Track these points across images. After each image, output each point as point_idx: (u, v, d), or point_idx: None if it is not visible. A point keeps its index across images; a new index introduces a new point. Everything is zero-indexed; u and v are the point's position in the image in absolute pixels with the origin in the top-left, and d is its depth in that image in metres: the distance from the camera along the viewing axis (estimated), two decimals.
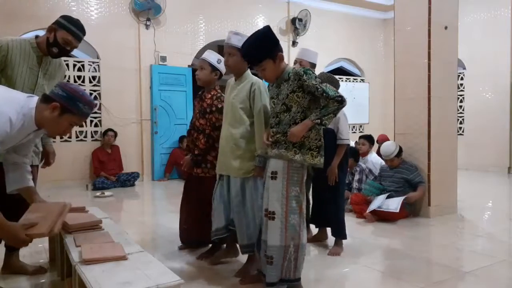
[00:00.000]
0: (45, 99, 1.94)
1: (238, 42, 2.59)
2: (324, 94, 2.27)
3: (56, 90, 1.96)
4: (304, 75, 2.29)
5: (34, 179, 2.62)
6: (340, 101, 2.29)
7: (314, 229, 3.63)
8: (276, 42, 2.32)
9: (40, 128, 2.00)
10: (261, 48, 2.30)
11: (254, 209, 2.63)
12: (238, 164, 2.65)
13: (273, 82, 2.43)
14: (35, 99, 1.95)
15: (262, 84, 2.67)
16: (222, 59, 2.92)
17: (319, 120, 2.28)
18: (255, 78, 2.72)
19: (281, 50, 2.35)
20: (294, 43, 8.83)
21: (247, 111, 2.65)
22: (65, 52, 2.66)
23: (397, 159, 4.41)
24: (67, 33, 2.60)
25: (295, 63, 3.40)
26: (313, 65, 3.42)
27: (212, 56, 3.09)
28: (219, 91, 3.14)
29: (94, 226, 2.37)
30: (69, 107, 1.93)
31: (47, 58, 2.66)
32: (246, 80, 2.70)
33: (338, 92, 2.30)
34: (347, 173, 3.59)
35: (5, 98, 1.90)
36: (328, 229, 3.51)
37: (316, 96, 2.32)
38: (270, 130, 2.42)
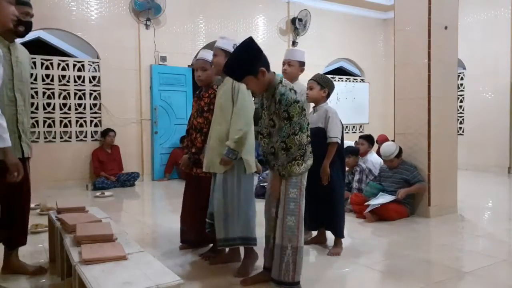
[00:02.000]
0: None
1: (224, 45, 2.90)
2: (281, 129, 2.28)
3: None
4: (278, 104, 2.28)
5: (27, 173, 2.65)
6: (286, 148, 2.27)
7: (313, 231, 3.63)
8: (256, 58, 2.27)
9: None
10: (240, 66, 2.26)
11: (235, 204, 2.70)
12: (213, 157, 2.76)
13: (261, 93, 2.42)
14: None
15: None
16: None
17: (282, 174, 2.34)
18: None
19: (265, 65, 2.30)
20: (294, 43, 8.83)
21: (231, 105, 2.77)
22: (30, 25, 2.67)
23: (396, 160, 4.41)
24: (21, 7, 2.59)
25: (283, 64, 3.40)
26: (302, 63, 3.41)
27: (211, 56, 3.12)
28: (216, 90, 3.15)
29: (105, 239, 2.17)
30: None
31: (13, 45, 2.64)
32: (230, 80, 2.78)
33: (293, 136, 2.25)
34: (344, 172, 3.56)
35: None
36: (328, 231, 3.50)
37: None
38: (262, 140, 2.47)
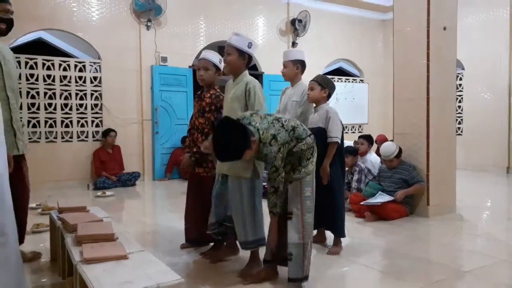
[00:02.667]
0: None
1: (237, 42, 2.74)
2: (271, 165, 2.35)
3: None
4: (266, 163, 2.42)
5: (24, 169, 2.79)
6: (275, 191, 2.39)
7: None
8: (245, 133, 2.24)
9: None
10: (238, 149, 2.24)
11: (251, 208, 2.69)
12: (233, 163, 2.64)
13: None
14: None
15: (258, 84, 2.76)
16: (222, 58, 3.06)
17: (277, 212, 2.44)
18: (251, 78, 2.80)
19: (252, 134, 2.27)
20: (294, 44, 8.85)
21: (243, 110, 2.71)
22: (11, 22, 2.72)
23: (396, 160, 4.43)
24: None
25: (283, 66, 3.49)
26: (299, 61, 3.44)
27: (214, 57, 3.16)
28: (218, 90, 3.17)
29: (106, 238, 2.19)
30: None
31: None
32: (242, 80, 2.77)
33: (277, 167, 2.34)
34: (344, 172, 3.58)
35: None
36: (327, 231, 3.51)
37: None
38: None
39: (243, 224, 2.70)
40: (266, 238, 2.65)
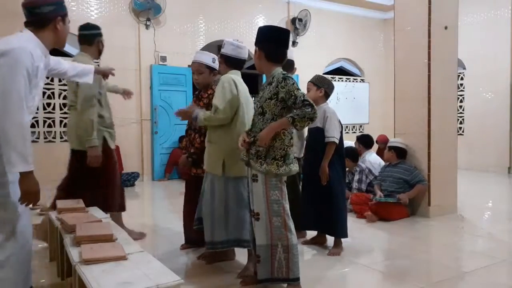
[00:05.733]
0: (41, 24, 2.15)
1: (203, 59, 3.06)
2: (296, 99, 2.23)
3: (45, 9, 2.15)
4: (283, 82, 2.29)
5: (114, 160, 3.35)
6: (311, 104, 2.22)
7: (312, 232, 3.60)
8: (272, 41, 2.37)
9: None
10: (261, 35, 2.40)
11: (222, 209, 2.68)
12: (207, 159, 2.76)
13: (261, 73, 2.51)
14: (25, 30, 2.13)
15: (228, 81, 2.69)
16: (216, 56, 3.10)
17: (291, 119, 2.20)
18: (228, 76, 2.77)
19: (272, 53, 2.38)
20: (294, 43, 8.83)
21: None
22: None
23: (392, 153, 4.48)
24: None
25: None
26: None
27: (206, 58, 3.13)
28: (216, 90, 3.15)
29: (105, 239, 2.16)
30: (63, 11, 2.26)
31: None
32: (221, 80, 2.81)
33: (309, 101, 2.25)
34: (345, 172, 3.56)
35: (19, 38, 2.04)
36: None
37: (288, 105, 2.29)
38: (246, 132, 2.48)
39: (211, 224, 2.69)
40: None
